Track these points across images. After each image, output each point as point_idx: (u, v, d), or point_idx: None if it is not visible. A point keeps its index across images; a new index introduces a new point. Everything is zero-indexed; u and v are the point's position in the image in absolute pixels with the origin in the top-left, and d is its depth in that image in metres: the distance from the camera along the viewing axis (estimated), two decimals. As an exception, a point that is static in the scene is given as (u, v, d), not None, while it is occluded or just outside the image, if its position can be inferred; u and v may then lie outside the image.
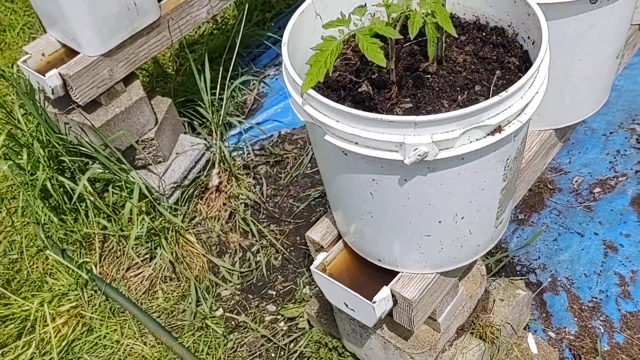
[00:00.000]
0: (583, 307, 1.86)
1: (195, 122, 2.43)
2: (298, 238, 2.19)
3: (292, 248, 2.17)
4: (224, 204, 2.30)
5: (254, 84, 2.74)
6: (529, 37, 1.09)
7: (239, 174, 2.35)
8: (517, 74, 1.08)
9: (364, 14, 1.05)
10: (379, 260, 1.23)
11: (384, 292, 1.20)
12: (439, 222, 1.08)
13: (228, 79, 2.40)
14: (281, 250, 2.15)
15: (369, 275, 1.29)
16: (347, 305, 1.27)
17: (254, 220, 2.21)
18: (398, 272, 1.23)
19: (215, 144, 2.30)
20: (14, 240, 2.31)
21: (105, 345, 1.96)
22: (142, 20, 1.96)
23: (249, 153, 2.46)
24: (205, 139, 2.36)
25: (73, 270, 2.10)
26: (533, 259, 1.98)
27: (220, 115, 2.35)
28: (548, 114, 1.40)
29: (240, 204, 2.29)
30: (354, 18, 1.04)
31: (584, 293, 1.88)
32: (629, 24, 1.34)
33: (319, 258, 1.30)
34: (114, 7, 1.85)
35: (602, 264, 1.93)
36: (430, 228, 1.10)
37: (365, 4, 1.09)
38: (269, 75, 2.79)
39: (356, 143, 0.98)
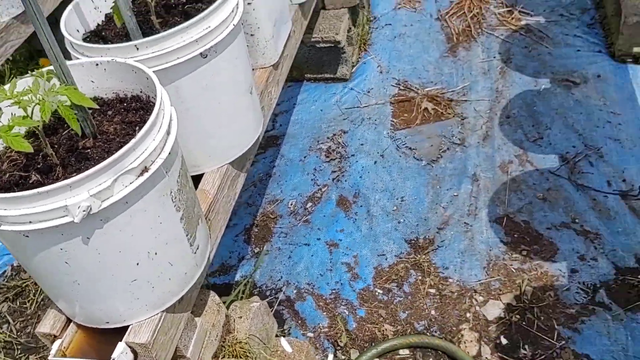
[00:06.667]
0: (327, 301, 2.14)
1: None
2: None
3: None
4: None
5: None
6: (155, 96, 1.33)
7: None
8: (158, 126, 1.30)
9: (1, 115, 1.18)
10: (107, 323, 1.33)
11: (119, 347, 1.29)
12: (137, 264, 1.23)
13: None
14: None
15: (110, 343, 1.37)
16: (97, 378, 1.33)
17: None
18: (129, 326, 1.34)
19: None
20: None
21: None
22: None
23: (-16, 297, 2.34)
24: None
25: None
26: (277, 280, 2.23)
27: None
28: (218, 153, 1.67)
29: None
30: (-7, 121, 1.17)
31: (324, 290, 2.18)
32: (248, 66, 1.68)
33: (55, 346, 1.34)
34: None
35: (330, 261, 2.26)
36: (132, 273, 1.24)
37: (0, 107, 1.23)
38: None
39: (30, 222, 1.09)
